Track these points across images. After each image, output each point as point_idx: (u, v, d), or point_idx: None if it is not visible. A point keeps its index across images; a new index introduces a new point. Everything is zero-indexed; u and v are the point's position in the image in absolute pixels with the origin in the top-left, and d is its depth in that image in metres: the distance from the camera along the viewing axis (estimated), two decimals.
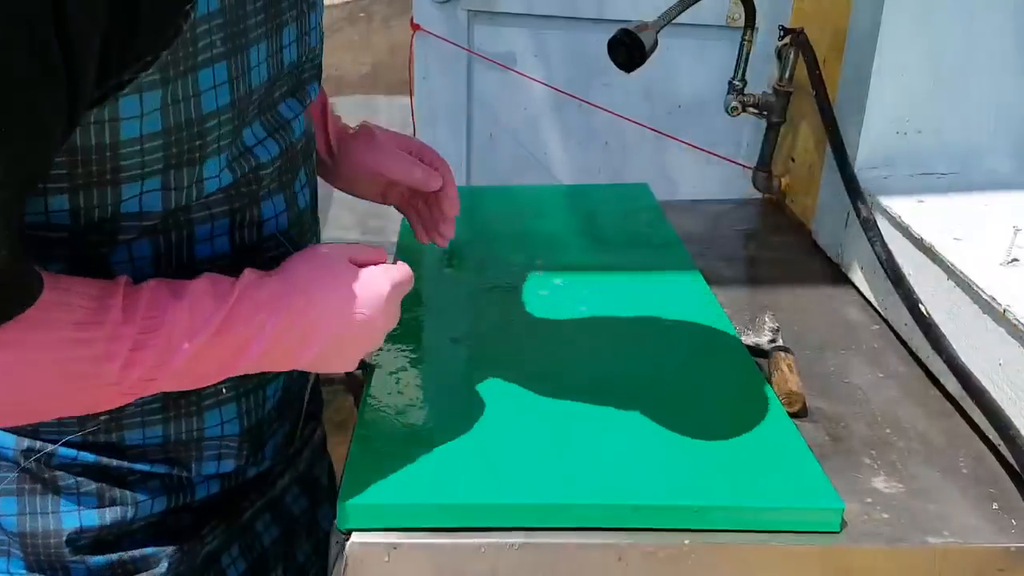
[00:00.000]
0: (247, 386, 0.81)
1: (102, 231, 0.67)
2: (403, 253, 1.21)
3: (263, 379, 0.83)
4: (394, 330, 0.80)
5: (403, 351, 0.97)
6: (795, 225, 1.42)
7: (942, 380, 0.98)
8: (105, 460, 0.77)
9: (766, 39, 1.52)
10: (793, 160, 1.46)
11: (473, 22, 2.24)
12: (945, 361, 0.93)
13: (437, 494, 0.76)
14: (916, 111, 1.19)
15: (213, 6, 0.64)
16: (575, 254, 1.22)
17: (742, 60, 1.41)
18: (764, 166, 1.47)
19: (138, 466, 0.78)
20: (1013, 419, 0.84)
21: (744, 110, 1.43)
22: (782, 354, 0.98)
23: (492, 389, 0.90)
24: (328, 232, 3.20)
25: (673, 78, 2.06)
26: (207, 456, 0.81)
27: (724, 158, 1.76)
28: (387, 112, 4.38)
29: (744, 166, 1.67)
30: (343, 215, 3.33)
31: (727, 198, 1.67)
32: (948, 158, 1.21)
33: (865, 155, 1.20)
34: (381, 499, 0.76)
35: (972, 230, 1.03)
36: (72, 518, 0.77)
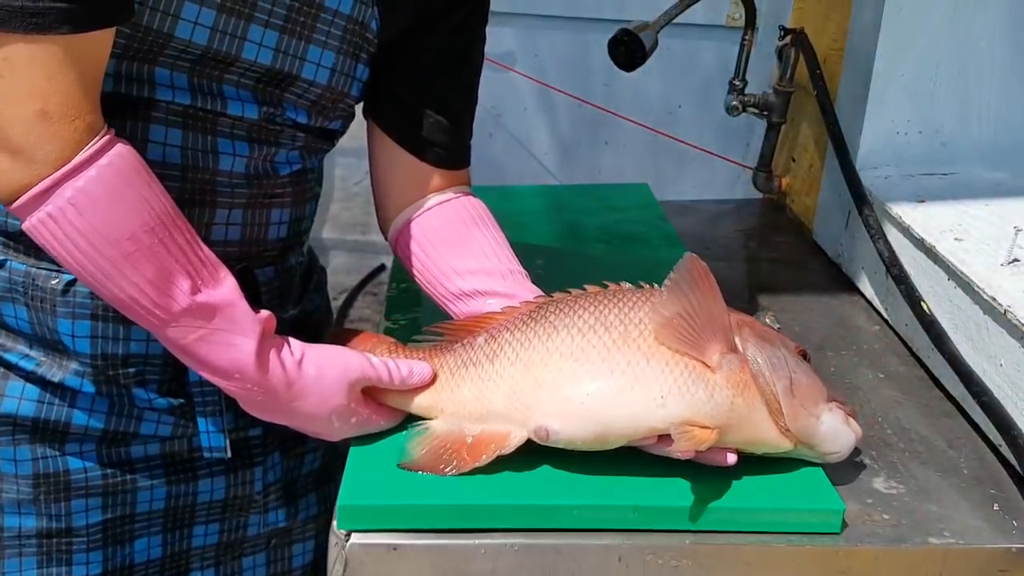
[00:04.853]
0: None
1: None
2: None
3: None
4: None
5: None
6: (795, 225, 1.42)
7: (943, 380, 0.98)
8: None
9: (766, 39, 1.52)
10: (794, 160, 1.46)
11: None
12: (947, 359, 0.93)
13: (436, 495, 0.76)
14: (916, 111, 1.19)
15: None
16: (575, 254, 1.22)
17: (742, 60, 1.41)
18: (765, 166, 1.47)
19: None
20: (1014, 419, 0.84)
21: (744, 110, 1.43)
22: None
23: None
24: (326, 232, 3.20)
25: (673, 78, 2.06)
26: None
27: (724, 158, 1.76)
28: None
29: (744, 166, 1.67)
30: (343, 212, 3.34)
31: (727, 198, 1.67)
32: (948, 158, 1.21)
33: (866, 155, 1.20)
34: (381, 499, 0.76)
35: (973, 230, 1.03)
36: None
